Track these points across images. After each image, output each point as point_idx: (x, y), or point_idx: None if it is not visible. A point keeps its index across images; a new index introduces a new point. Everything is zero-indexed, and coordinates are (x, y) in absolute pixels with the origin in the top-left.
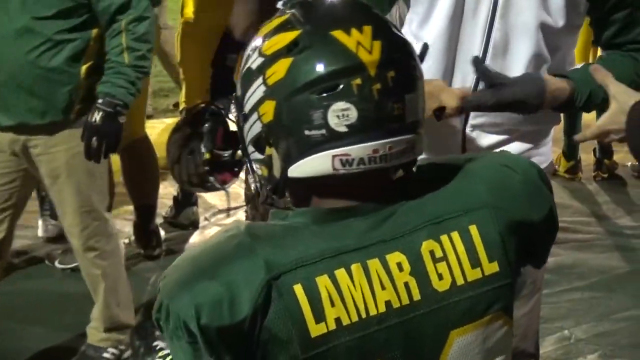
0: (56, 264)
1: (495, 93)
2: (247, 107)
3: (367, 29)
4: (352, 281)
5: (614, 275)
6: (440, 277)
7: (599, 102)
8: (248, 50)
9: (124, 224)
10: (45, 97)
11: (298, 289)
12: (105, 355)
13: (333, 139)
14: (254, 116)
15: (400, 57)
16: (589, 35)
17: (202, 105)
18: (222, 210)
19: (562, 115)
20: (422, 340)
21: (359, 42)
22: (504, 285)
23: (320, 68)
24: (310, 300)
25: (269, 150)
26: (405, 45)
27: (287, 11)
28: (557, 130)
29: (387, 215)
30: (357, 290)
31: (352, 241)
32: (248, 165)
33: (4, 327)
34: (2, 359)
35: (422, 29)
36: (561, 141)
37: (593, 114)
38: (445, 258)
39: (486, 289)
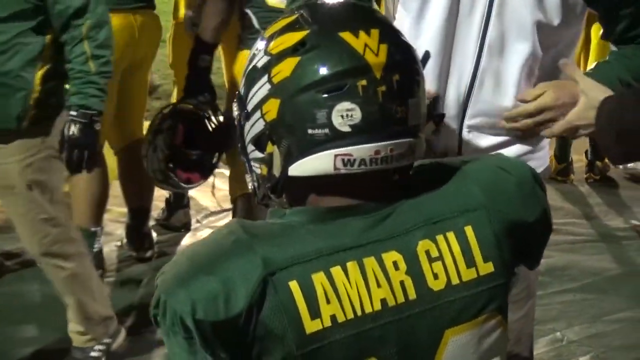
0: None
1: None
2: (250, 106)
3: (375, 32)
4: (348, 279)
5: (606, 277)
6: (435, 276)
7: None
8: (253, 50)
9: (116, 226)
10: None
11: (294, 285)
12: (93, 354)
13: (336, 138)
14: (257, 114)
15: (405, 62)
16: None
17: (174, 104)
18: (215, 212)
19: None
20: (417, 339)
21: (366, 44)
22: (498, 286)
23: (326, 68)
24: (305, 296)
25: (270, 148)
26: (409, 50)
27: (295, 12)
28: None
29: (385, 215)
30: (353, 287)
31: (348, 240)
32: (246, 164)
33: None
34: None
35: (417, 28)
36: (553, 143)
37: None
38: (440, 258)
39: (481, 289)
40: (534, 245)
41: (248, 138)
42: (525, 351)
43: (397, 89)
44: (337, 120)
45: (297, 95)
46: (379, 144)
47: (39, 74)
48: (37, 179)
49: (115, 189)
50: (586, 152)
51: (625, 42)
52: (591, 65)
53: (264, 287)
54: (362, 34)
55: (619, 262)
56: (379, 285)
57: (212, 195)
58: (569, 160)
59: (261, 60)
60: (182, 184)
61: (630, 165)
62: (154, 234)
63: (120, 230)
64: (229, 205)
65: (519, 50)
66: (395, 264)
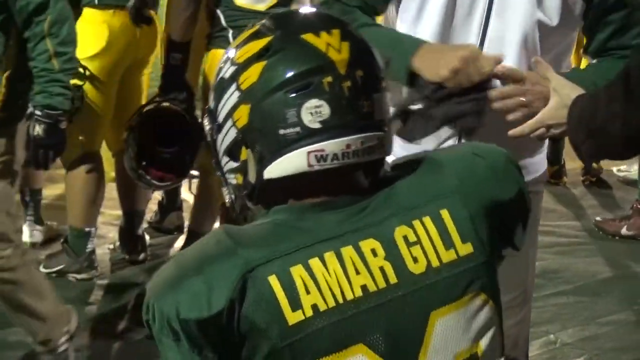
0: (41, 268)
1: None
2: (221, 116)
3: (335, 31)
4: (327, 269)
5: (599, 279)
6: (415, 260)
7: None
8: (220, 64)
9: (109, 229)
10: None
11: (272, 279)
12: (61, 350)
13: (307, 135)
14: (229, 123)
15: (367, 58)
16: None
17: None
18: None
19: None
20: (403, 322)
21: (328, 43)
22: (480, 265)
23: (292, 68)
24: (285, 289)
25: (244, 155)
26: (370, 47)
27: (257, 24)
28: None
29: (362, 208)
30: (332, 276)
31: (325, 232)
32: (221, 177)
33: None
34: None
35: (414, 29)
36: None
37: None
38: (419, 242)
39: (462, 269)
40: (513, 224)
41: (222, 150)
42: (521, 356)
43: (361, 84)
44: (306, 118)
45: (266, 97)
46: (349, 137)
47: (5, 75)
48: None
49: (108, 191)
50: None
51: (605, 52)
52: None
53: (244, 284)
54: (323, 34)
55: (612, 265)
56: (357, 273)
57: None
58: (562, 163)
59: (228, 71)
60: (155, 182)
61: (622, 169)
62: (147, 237)
63: (113, 233)
64: None
65: (519, 51)
66: (373, 251)
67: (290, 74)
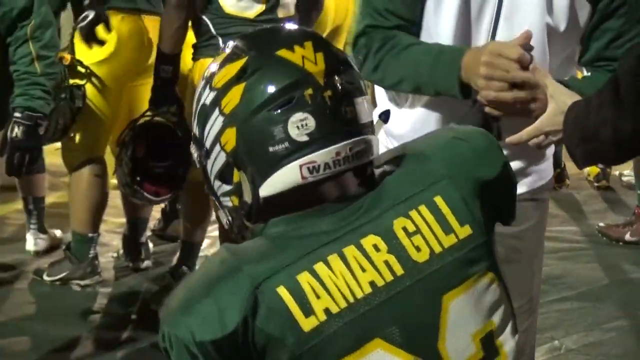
0: (44, 277)
1: None
2: (208, 142)
3: (308, 43)
4: (333, 271)
5: (603, 285)
6: (417, 249)
7: None
8: (198, 90)
9: (112, 237)
10: None
11: (281, 290)
12: None
13: (297, 149)
14: (217, 148)
15: (343, 65)
16: None
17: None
18: (211, 222)
19: None
20: (416, 312)
21: (303, 56)
22: (480, 245)
23: (273, 86)
24: (295, 298)
25: (237, 177)
26: (343, 55)
27: (228, 47)
28: None
29: (357, 207)
30: (339, 278)
31: (324, 236)
32: (216, 201)
33: None
34: None
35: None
36: None
37: None
38: (418, 231)
39: (464, 251)
40: (502, 200)
41: (213, 175)
42: None
43: (341, 91)
44: (294, 132)
45: (251, 118)
46: (338, 145)
47: None
48: None
49: (112, 199)
50: None
51: (599, 62)
52: None
53: (254, 299)
54: (297, 47)
55: (615, 270)
56: (363, 270)
57: None
58: (562, 166)
59: (208, 97)
60: (150, 197)
61: (625, 174)
62: (151, 245)
63: (116, 241)
64: None
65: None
66: (375, 246)
67: (271, 92)
